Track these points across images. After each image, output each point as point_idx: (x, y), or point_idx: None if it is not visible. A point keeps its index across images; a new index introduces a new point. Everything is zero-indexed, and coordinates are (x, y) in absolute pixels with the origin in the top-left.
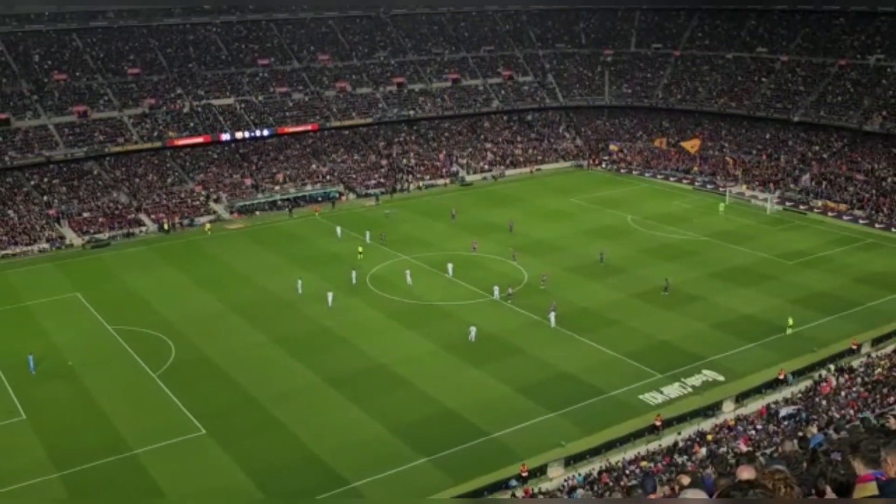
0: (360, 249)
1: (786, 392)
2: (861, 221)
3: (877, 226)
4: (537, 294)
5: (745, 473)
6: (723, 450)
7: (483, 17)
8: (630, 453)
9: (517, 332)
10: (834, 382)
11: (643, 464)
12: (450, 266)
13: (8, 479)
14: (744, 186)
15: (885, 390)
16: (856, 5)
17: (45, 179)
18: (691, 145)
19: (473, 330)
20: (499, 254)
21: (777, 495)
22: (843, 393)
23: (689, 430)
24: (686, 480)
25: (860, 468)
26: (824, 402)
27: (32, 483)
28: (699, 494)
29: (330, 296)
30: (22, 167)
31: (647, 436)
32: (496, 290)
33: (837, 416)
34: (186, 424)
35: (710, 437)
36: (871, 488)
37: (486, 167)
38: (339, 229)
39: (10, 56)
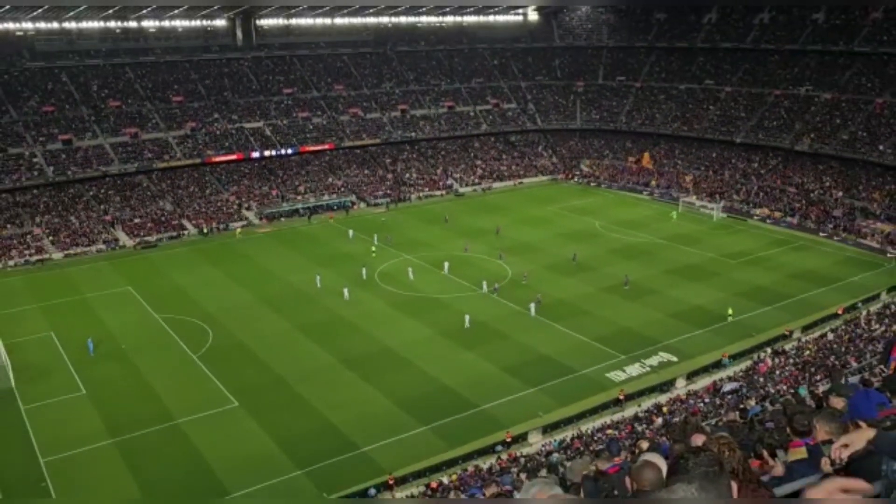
0: (374, 249)
1: (729, 371)
2: (793, 227)
3: (807, 230)
4: (519, 288)
5: (698, 441)
6: (676, 420)
7: (474, 54)
8: (598, 422)
9: (502, 321)
10: (770, 363)
11: (609, 431)
12: (445, 264)
13: (71, 444)
14: (693, 197)
15: (812, 369)
16: (788, 45)
17: (102, 190)
18: (646, 160)
19: (468, 317)
20: (487, 254)
21: (722, 457)
22: (777, 372)
23: (647, 403)
24: (645, 445)
25: (792, 436)
26: (761, 380)
27: (91, 448)
28: (656, 457)
29: (346, 291)
30: (82, 180)
31: (612, 408)
32: (484, 284)
33: (773, 391)
34: (222, 398)
35: (665, 409)
36: (802, 452)
37: (477, 181)
38: (351, 232)
39: (72, 86)
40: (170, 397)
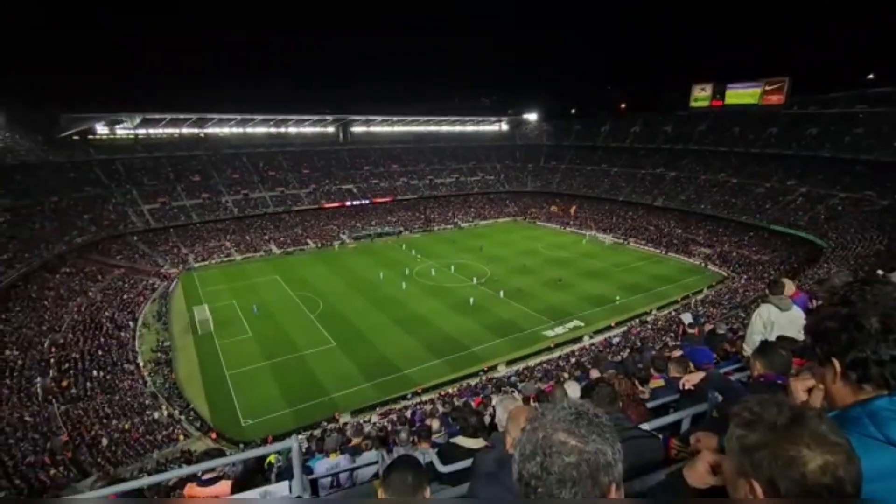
0: (418, 257)
1: (615, 332)
2: (653, 250)
3: (661, 252)
4: (494, 282)
5: (594, 374)
6: (584, 359)
7: (471, 147)
8: (538, 360)
9: (484, 300)
10: (637, 328)
11: (544, 366)
12: (452, 266)
13: (243, 364)
14: (595, 231)
15: (662, 333)
16: (650, 144)
17: (263, 222)
18: (572, 210)
19: (472, 299)
20: (476, 261)
21: (615, 385)
22: (642, 333)
23: (566, 350)
24: (566, 375)
25: (654, 373)
26: (633, 338)
27: (254, 367)
28: (572, 383)
29: (403, 284)
30: (252, 216)
31: (546, 352)
32: (474, 279)
33: (639, 344)
34: (326, 340)
35: (577, 354)
36: (660, 382)
37: (471, 219)
38: (403, 246)
39: (248, 163)
40: (298, 338)
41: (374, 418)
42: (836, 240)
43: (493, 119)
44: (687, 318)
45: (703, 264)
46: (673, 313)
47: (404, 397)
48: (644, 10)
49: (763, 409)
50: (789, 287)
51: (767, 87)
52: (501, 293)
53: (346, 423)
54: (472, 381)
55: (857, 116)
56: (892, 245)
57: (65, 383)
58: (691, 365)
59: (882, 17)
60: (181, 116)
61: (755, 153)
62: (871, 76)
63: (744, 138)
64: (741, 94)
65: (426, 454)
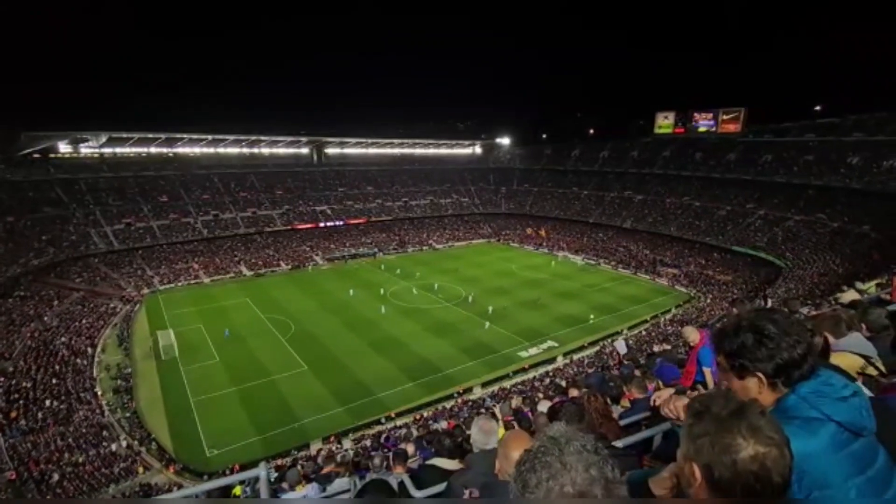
0: (409, 278)
1: (588, 351)
2: (623, 270)
3: (630, 273)
4: (468, 305)
5: (574, 393)
6: (557, 380)
7: (445, 170)
8: (513, 381)
9: (459, 321)
10: (609, 347)
11: (520, 387)
12: (427, 288)
13: (209, 390)
14: (566, 252)
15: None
16: (618, 168)
17: (233, 243)
18: (543, 231)
19: (469, 330)
20: (452, 283)
21: (586, 404)
22: (613, 353)
23: (540, 370)
24: (540, 396)
25: (626, 392)
26: (605, 357)
27: (221, 393)
28: (546, 403)
29: (382, 308)
30: (222, 237)
31: (521, 373)
32: (456, 299)
33: (611, 363)
34: (298, 364)
35: (551, 374)
36: (627, 404)
37: (445, 241)
38: (382, 266)
39: (220, 184)
40: (268, 363)
41: (347, 444)
42: (794, 260)
43: (466, 143)
44: (621, 346)
45: (670, 284)
46: (643, 332)
47: (378, 422)
48: (613, 43)
49: (711, 402)
50: (693, 335)
51: (725, 117)
52: (485, 318)
53: (319, 450)
54: (448, 404)
55: (808, 145)
56: (844, 264)
57: (13, 414)
58: (660, 382)
59: (827, 54)
60: (150, 136)
61: (716, 178)
62: (818, 108)
63: (705, 163)
64: (701, 122)
65: (399, 478)
